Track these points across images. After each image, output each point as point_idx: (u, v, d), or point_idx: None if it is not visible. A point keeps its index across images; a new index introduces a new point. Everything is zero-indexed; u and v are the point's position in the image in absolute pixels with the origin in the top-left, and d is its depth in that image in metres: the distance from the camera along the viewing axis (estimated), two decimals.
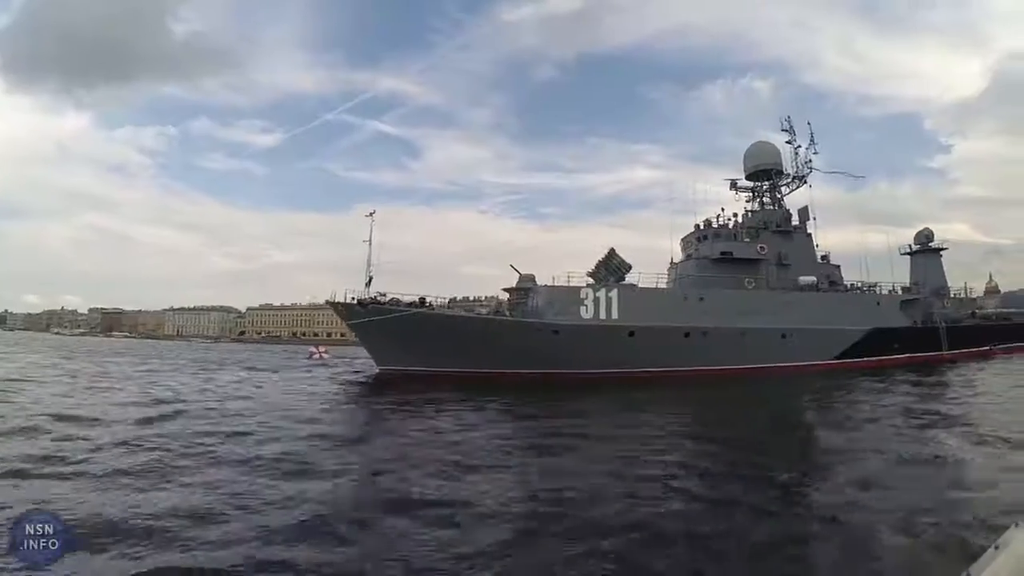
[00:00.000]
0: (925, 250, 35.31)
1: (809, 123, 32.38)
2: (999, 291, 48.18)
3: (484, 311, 28.61)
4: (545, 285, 27.09)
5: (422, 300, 28.04)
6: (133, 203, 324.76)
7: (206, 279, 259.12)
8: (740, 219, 29.89)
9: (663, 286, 28.32)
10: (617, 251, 27.78)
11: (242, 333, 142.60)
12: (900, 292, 30.98)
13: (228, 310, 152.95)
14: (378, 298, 26.67)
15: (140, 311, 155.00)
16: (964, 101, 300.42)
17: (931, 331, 29.54)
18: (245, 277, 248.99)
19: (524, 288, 28.21)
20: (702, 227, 29.71)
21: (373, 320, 26.26)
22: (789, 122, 32.24)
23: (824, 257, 30.58)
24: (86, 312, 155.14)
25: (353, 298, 26.71)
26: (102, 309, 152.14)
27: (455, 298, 27.70)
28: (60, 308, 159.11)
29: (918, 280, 33.78)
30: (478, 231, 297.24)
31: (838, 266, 30.64)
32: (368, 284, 26.80)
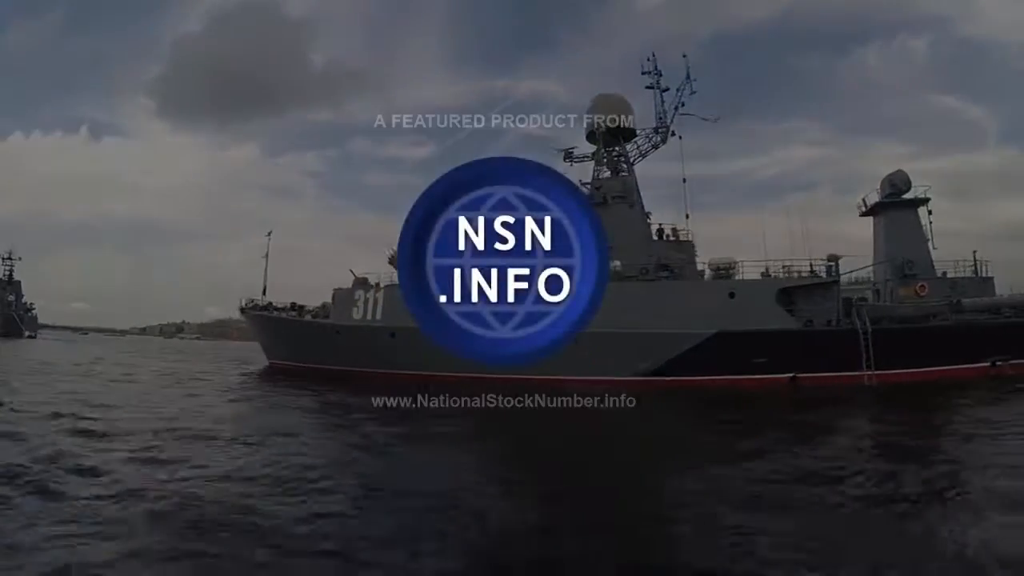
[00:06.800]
0: (895, 203, 21.65)
1: (685, 55, 23.55)
2: None
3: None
4: (346, 288, 26.82)
5: (293, 305, 30.37)
6: (299, 222, 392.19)
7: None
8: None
9: None
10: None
11: None
12: (794, 275, 19.60)
13: None
14: (249, 305, 30.05)
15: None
16: None
17: (842, 336, 18.36)
18: None
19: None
20: None
21: (244, 321, 32.06)
22: (653, 60, 24.03)
23: (673, 233, 22.44)
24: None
25: (245, 304, 30.66)
26: None
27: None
28: (229, 317, 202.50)
29: (886, 251, 21.82)
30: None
31: (688, 243, 21.90)
32: (264, 292, 30.29)
